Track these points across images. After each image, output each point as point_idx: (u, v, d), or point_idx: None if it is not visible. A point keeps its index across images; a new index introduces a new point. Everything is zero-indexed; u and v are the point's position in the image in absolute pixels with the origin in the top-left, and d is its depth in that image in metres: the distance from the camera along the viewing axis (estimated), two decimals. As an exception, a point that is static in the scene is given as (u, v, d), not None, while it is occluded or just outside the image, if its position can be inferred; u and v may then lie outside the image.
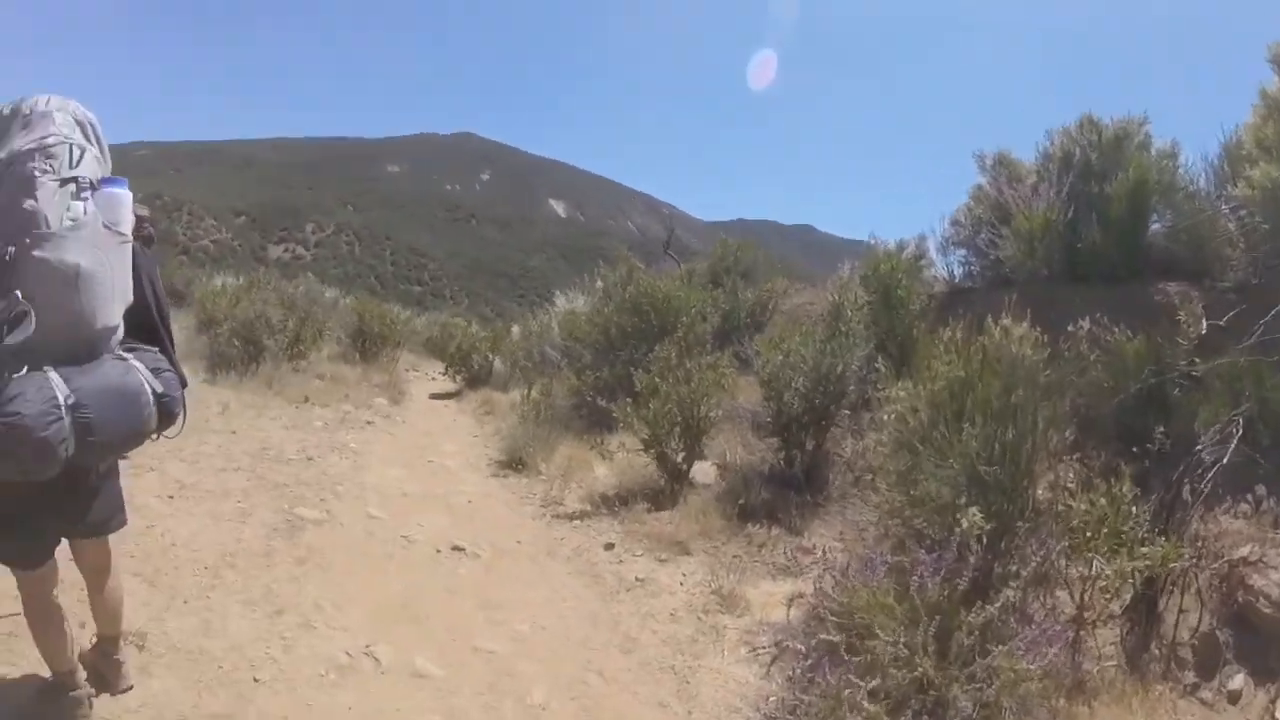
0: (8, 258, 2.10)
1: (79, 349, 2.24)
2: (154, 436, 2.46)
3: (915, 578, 2.96)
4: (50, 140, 2.23)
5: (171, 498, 4.96)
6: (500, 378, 11.81)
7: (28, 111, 2.28)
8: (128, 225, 2.39)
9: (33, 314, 2.08)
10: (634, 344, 8.01)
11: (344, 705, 3.00)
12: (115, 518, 2.70)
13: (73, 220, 2.19)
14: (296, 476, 5.78)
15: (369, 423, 8.14)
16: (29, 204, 2.14)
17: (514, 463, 6.82)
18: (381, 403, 9.35)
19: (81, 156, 2.28)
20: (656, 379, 5.85)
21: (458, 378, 12.03)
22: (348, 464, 6.43)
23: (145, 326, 2.61)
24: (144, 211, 5.74)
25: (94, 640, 2.86)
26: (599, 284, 12.05)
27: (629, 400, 5.92)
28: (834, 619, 3.07)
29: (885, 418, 4.18)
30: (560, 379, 9.67)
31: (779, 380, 5.49)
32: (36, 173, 2.17)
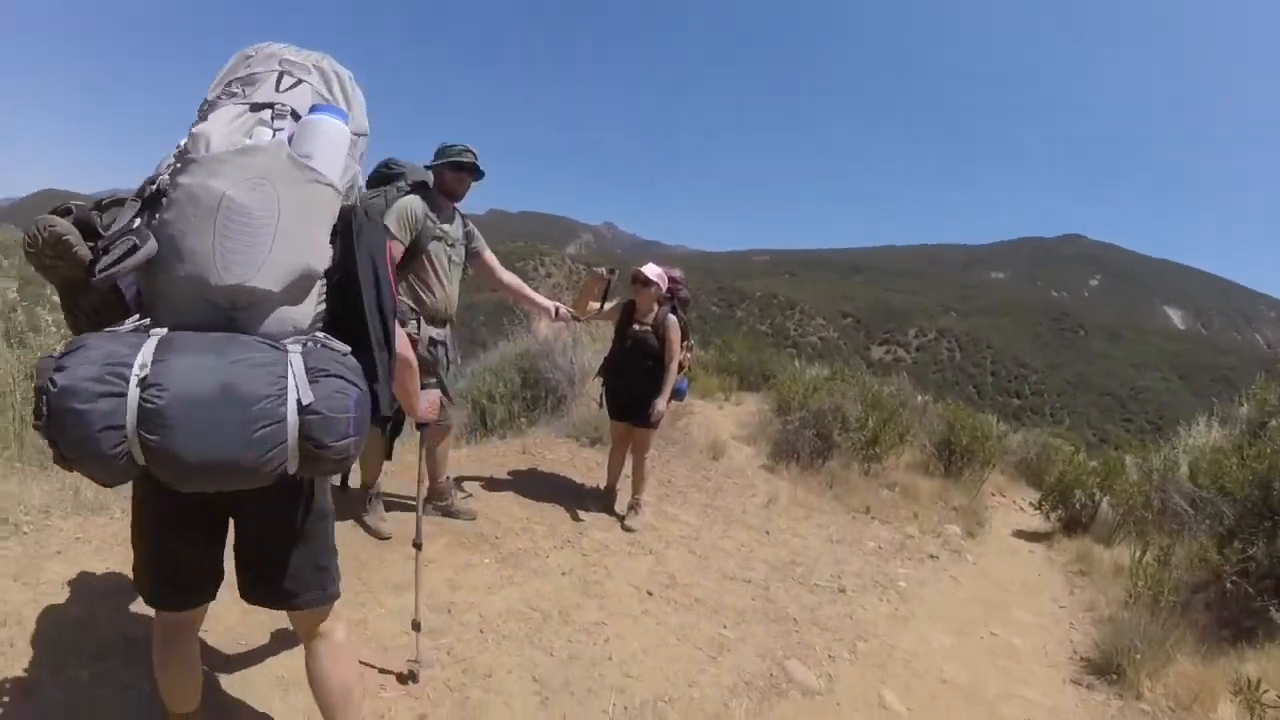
0: (156, 186, 1.71)
1: (212, 314, 1.65)
2: (297, 476, 1.64)
3: None
4: (259, 69, 1.84)
5: (650, 594, 4.22)
6: (1105, 524, 9.15)
7: (252, 53, 1.89)
8: (329, 164, 1.77)
9: (147, 247, 1.60)
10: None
11: None
12: (310, 592, 1.95)
13: (246, 145, 1.70)
14: (814, 613, 4.54)
15: (932, 556, 6.58)
16: (198, 128, 1.74)
17: (1107, 666, 4.60)
18: (953, 531, 7.69)
19: (294, 85, 1.83)
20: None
21: (1052, 515, 9.65)
22: (886, 610, 4.97)
23: (351, 320, 1.82)
24: (677, 273, 5.36)
25: None
26: (1242, 408, 9.17)
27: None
28: None
29: None
30: (1186, 541, 6.93)
31: None
32: (224, 97, 1.81)
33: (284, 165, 1.70)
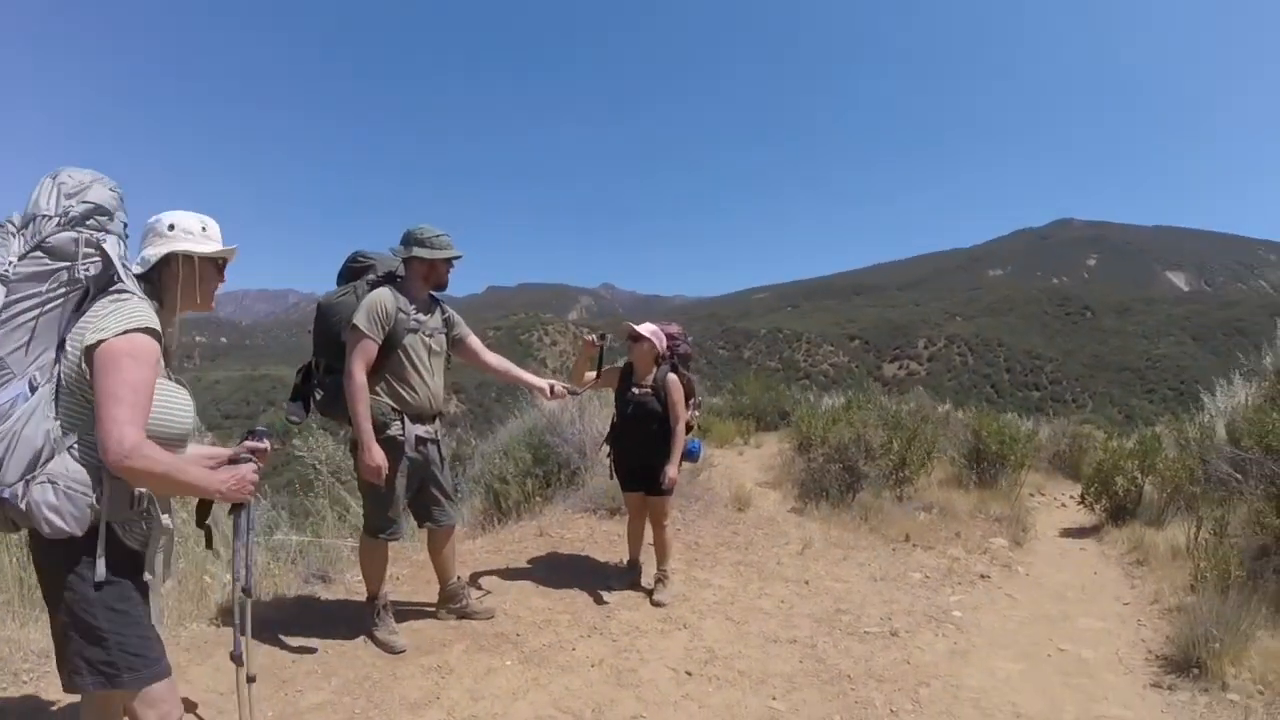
0: None
1: None
2: None
3: None
4: None
5: (689, 674, 3.90)
6: (1151, 506, 8.75)
7: None
8: None
9: None
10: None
11: None
12: (70, 674, 2.07)
13: None
14: (868, 664, 4.20)
15: (982, 576, 6.22)
16: None
17: (1186, 661, 4.26)
18: (999, 544, 7.32)
19: None
20: None
21: (1096, 506, 9.22)
22: (944, 646, 4.61)
23: None
24: (674, 328, 5.12)
25: None
26: (1266, 359, 9.27)
27: None
28: None
29: None
30: (1238, 509, 6.58)
31: None
32: None
33: None
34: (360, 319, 3.78)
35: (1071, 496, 10.37)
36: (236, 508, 2.43)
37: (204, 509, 2.46)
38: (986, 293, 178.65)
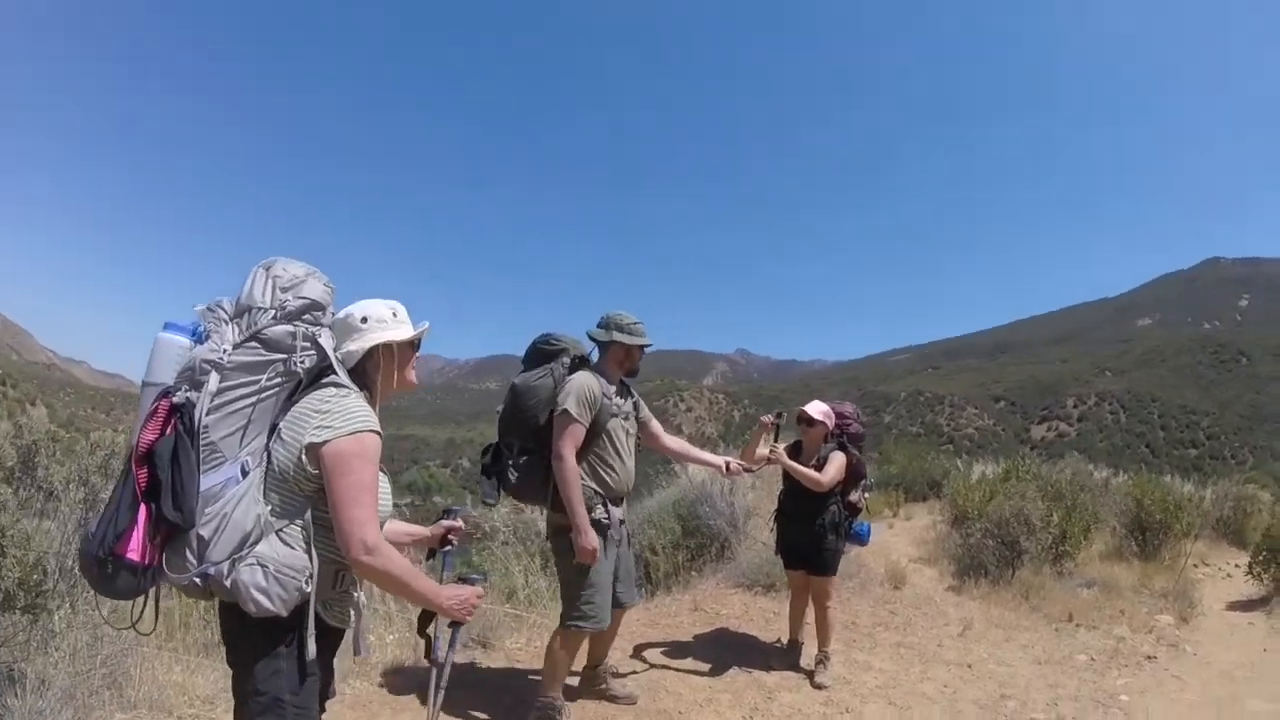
0: None
1: None
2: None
3: None
4: None
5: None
6: None
7: None
8: (151, 370, 2.09)
9: None
10: None
11: None
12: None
13: None
14: (1036, 754, 4.01)
15: (1149, 657, 5.83)
16: None
17: None
18: (1165, 622, 6.84)
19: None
20: None
21: (1265, 576, 8.39)
22: (1116, 738, 4.36)
23: None
24: (847, 408, 5.09)
25: None
26: None
27: None
28: None
29: None
30: None
31: None
32: None
33: None
34: (571, 404, 3.74)
35: (1237, 565, 9.60)
36: (454, 624, 2.40)
37: (426, 618, 2.50)
38: (1136, 344, 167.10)
